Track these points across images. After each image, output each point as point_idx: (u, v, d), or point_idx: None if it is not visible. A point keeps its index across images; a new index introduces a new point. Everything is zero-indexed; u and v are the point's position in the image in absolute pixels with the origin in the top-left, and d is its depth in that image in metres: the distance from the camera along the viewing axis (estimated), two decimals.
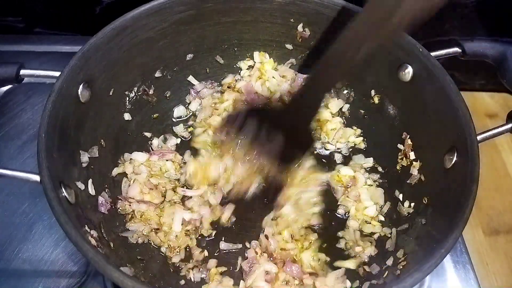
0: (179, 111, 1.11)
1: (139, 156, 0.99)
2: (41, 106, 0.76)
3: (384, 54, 0.96)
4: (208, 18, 1.02)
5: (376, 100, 1.05)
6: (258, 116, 0.94)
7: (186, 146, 1.07)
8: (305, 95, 0.86)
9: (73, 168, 0.84)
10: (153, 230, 0.92)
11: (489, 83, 1.41)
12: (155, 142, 1.05)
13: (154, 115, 1.08)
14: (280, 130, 0.91)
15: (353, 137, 1.09)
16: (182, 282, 0.88)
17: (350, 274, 0.89)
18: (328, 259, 0.91)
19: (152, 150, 1.04)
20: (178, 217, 0.92)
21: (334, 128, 1.09)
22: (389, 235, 0.92)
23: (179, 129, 1.09)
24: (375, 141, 1.07)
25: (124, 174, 0.97)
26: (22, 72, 0.83)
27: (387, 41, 0.75)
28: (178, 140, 1.07)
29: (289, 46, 1.10)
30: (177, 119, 1.11)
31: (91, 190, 0.87)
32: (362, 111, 1.09)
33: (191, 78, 1.11)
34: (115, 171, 0.97)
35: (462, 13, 1.23)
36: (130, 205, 0.92)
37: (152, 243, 0.91)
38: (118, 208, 0.92)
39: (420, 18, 0.62)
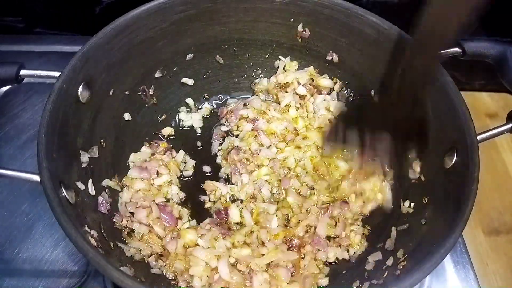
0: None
1: (137, 183, 0.97)
2: (41, 106, 0.76)
3: (384, 53, 0.96)
4: (208, 18, 1.02)
5: (376, 100, 1.05)
6: (356, 120, 0.91)
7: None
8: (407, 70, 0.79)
9: (73, 168, 0.84)
10: (155, 254, 0.88)
11: (489, 83, 1.41)
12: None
13: (154, 115, 1.08)
14: (384, 126, 0.87)
15: None
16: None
17: (350, 274, 0.89)
18: None
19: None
20: (223, 265, 0.85)
21: None
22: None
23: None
24: None
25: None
26: (22, 72, 0.83)
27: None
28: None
29: (289, 46, 1.10)
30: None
31: (91, 190, 0.87)
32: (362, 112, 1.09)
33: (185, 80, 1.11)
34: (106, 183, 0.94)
35: None
36: (127, 221, 0.90)
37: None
38: (114, 222, 0.90)
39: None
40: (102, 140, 0.93)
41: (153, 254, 0.88)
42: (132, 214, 0.92)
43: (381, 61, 0.98)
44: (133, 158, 1.01)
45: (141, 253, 0.87)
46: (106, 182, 0.93)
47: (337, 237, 0.94)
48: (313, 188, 1.00)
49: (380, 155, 0.92)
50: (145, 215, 0.91)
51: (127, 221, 0.90)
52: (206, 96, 1.15)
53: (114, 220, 0.89)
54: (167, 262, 0.87)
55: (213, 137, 1.10)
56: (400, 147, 0.89)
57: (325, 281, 0.89)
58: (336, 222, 0.95)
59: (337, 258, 0.92)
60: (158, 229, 0.90)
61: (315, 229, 0.94)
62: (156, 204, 0.94)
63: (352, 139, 0.90)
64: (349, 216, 0.96)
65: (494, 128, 0.83)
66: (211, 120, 1.14)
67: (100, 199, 0.88)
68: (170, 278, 0.86)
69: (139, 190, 0.95)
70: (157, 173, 0.99)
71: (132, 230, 0.90)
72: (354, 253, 0.93)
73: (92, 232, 0.77)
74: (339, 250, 0.92)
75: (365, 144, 0.89)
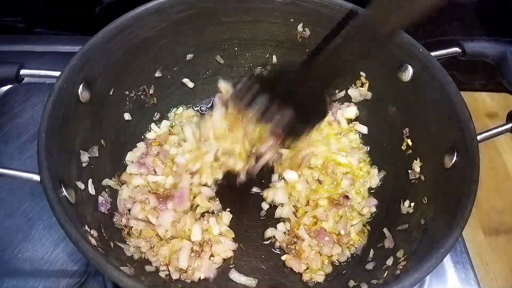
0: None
1: (135, 178, 0.98)
2: (41, 106, 0.76)
3: (384, 54, 0.96)
4: (208, 18, 1.02)
5: (375, 99, 1.05)
6: (268, 88, 0.91)
7: None
8: (326, 61, 0.85)
9: (73, 168, 0.84)
10: (153, 248, 0.89)
11: (489, 83, 1.41)
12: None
13: (154, 115, 1.08)
14: (291, 101, 0.89)
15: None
16: None
17: (350, 274, 0.89)
18: None
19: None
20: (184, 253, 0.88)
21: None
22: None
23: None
24: (375, 141, 1.07)
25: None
26: (22, 72, 0.83)
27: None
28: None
29: (289, 46, 1.10)
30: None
31: (91, 190, 0.87)
32: (362, 112, 1.09)
33: (186, 81, 1.11)
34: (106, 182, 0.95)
35: (462, 13, 1.23)
36: (127, 220, 0.90)
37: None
38: (114, 221, 0.90)
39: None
40: (102, 140, 0.93)
41: (152, 248, 0.89)
42: (130, 211, 0.93)
43: (381, 61, 0.98)
44: (130, 156, 1.01)
45: (140, 251, 0.88)
46: (106, 182, 0.93)
47: (338, 234, 0.94)
48: (321, 182, 1.01)
49: (277, 125, 0.91)
50: (139, 209, 0.92)
51: (126, 219, 0.90)
52: (206, 96, 1.15)
53: (114, 219, 0.90)
54: (155, 250, 0.88)
55: None
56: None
57: (321, 278, 0.90)
58: (339, 219, 0.96)
59: (337, 258, 0.93)
60: (153, 219, 0.91)
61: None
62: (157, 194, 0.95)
63: (259, 104, 0.90)
64: (350, 215, 0.97)
65: (494, 128, 0.83)
66: None
67: (100, 198, 0.89)
68: (163, 276, 0.87)
69: (138, 186, 0.96)
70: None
71: (132, 229, 0.90)
72: (354, 253, 0.93)
73: (92, 232, 0.77)
74: (340, 248, 0.92)
75: (268, 112, 0.90)
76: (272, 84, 0.92)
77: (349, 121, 1.10)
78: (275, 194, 0.99)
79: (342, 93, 1.11)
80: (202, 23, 1.02)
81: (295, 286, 0.90)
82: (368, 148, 1.08)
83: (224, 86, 1.07)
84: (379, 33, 0.75)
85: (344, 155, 1.05)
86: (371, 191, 1.03)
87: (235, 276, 0.90)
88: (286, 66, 1.05)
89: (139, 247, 0.88)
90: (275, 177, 1.03)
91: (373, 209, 0.99)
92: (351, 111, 1.09)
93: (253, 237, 0.97)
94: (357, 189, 1.01)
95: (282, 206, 0.99)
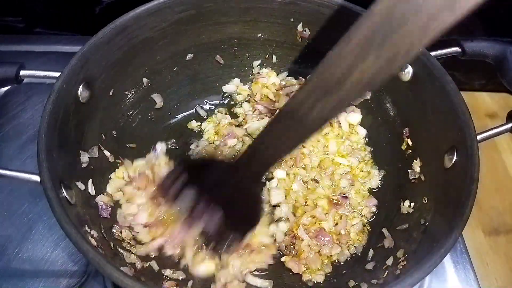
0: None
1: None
2: (41, 106, 0.76)
3: None
4: (208, 18, 1.02)
5: (375, 99, 1.05)
6: (197, 179, 0.84)
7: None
8: (256, 154, 0.74)
9: (73, 168, 0.84)
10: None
11: (489, 83, 1.41)
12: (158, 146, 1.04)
13: (154, 115, 1.08)
14: (222, 199, 0.82)
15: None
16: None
17: (350, 274, 0.89)
18: None
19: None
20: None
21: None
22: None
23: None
24: (375, 141, 1.07)
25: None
26: (22, 72, 0.83)
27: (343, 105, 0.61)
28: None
29: (289, 46, 1.10)
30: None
31: (91, 190, 0.87)
32: (362, 112, 1.09)
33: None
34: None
35: None
36: (127, 232, 0.88)
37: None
38: (114, 232, 0.87)
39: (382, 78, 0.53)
40: (102, 140, 0.93)
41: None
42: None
43: None
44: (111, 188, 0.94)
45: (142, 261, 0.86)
46: (100, 198, 0.89)
47: (338, 233, 0.94)
48: (318, 182, 1.01)
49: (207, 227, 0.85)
50: (145, 216, 0.89)
51: (127, 231, 0.88)
52: (206, 96, 1.15)
53: (113, 230, 0.87)
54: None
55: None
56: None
57: (320, 278, 0.90)
58: (339, 218, 0.96)
59: (337, 258, 0.93)
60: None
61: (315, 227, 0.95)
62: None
63: (186, 199, 0.85)
64: (350, 215, 0.97)
65: (494, 128, 0.83)
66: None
67: (100, 203, 0.87)
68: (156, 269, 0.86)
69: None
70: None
71: (134, 239, 0.88)
72: (354, 253, 0.93)
73: (92, 232, 0.77)
74: (340, 248, 0.92)
75: (196, 209, 0.84)
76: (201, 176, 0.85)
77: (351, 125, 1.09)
78: (270, 194, 0.99)
79: None
80: (202, 23, 1.02)
81: (294, 285, 0.90)
82: (371, 149, 1.07)
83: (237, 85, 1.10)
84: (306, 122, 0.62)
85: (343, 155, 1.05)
86: (372, 191, 1.02)
87: (250, 279, 0.88)
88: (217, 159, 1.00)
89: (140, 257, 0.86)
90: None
91: (373, 209, 0.99)
92: (356, 117, 1.08)
93: None
94: (356, 189, 1.01)
95: (280, 207, 0.99)
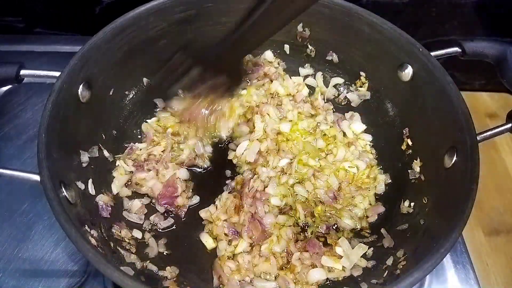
0: None
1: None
2: (41, 106, 0.76)
3: (384, 53, 0.96)
4: (208, 18, 1.02)
5: (375, 100, 1.05)
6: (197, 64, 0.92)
7: None
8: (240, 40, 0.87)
9: (73, 168, 0.84)
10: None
11: (489, 83, 1.42)
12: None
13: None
14: (216, 72, 0.91)
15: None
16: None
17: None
18: None
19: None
20: None
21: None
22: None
23: None
24: (375, 141, 1.07)
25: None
26: (22, 72, 0.83)
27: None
28: None
29: (288, 46, 1.10)
30: None
31: (91, 190, 0.87)
32: (362, 112, 1.09)
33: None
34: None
35: (462, 13, 1.23)
36: (127, 231, 0.89)
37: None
38: (113, 232, 0.87)
39: None
40: (102, 140, 0.93)
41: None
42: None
43: (381, 61, 0.98)
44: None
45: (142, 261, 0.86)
46: (100, 198, 0.89)
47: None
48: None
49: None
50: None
51: (126, 230, 0.89)
52: None
53: (113, 230, 0.87)
54: None
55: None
56: None
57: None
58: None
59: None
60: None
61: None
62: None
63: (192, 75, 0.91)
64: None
65: (494, 128, 0.83)
66: None
67: (100, 203, 0.88)
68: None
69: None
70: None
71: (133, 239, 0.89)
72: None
73: (92, 231, 0.77)
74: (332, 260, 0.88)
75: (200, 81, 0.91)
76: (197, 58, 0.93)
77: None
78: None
79: (342, 96, 1.11)
80: (202, 23, 1.02)
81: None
82: (375, 153, 1.05)
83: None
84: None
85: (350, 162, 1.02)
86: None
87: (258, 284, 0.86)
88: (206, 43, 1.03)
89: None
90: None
91: (375, 217, 0.96)
92: (359, 126, 1.07)
93: None
94: (364, 196, 0.98)
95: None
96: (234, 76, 0.94)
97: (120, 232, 0.88)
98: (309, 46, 1.09)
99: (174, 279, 0.85)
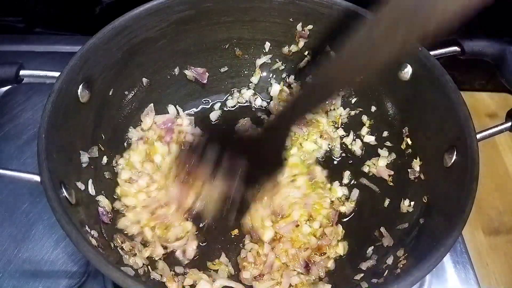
0: None
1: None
2: (41, 106, 0.76)
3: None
4: (208, 18, 1.02)
5: (375, 99, 1.05)
6: (219, 143, 0.88)
7: None
8: (284, 119, 0.83)
9: (73, 168, 0.84)
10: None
11: (489, 83, 1.42)
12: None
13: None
14: (245, 154, 0.85)
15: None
16: None
17: (350, 273, 0.89)
18: None
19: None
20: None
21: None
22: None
23: None
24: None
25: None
26: (22, 72, 0.83)
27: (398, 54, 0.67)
28: None
29: (288, 46, 1.10)
30: None
31: (91, 190, 0.87)
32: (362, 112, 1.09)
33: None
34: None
35: None
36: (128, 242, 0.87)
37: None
38: (113, 241, 0.84)
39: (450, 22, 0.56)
40: (102, 140, 0.93)
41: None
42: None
43: None
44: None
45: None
46: (100, 203, 0.89)
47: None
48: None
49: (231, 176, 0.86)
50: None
51: (127, 241, 0.87)
52: (206, 96, 1.15)
53: (113, 242, 0.85)
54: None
55: None
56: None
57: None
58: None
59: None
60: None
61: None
62: None
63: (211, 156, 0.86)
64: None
65: (494, 127, 0.84)
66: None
67: (100, 209, 0.87)
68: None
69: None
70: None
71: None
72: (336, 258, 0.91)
73: (93, 232, 0.77)
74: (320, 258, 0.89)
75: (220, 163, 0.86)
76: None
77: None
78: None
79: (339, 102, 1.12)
80: (202, 23, 1.02)
81: None
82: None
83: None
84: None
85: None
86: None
87: None
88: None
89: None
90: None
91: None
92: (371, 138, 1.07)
93: None
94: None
95: None
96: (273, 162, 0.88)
97: (121, 243, 0.86)
98: (308, 46, 1.09)
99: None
